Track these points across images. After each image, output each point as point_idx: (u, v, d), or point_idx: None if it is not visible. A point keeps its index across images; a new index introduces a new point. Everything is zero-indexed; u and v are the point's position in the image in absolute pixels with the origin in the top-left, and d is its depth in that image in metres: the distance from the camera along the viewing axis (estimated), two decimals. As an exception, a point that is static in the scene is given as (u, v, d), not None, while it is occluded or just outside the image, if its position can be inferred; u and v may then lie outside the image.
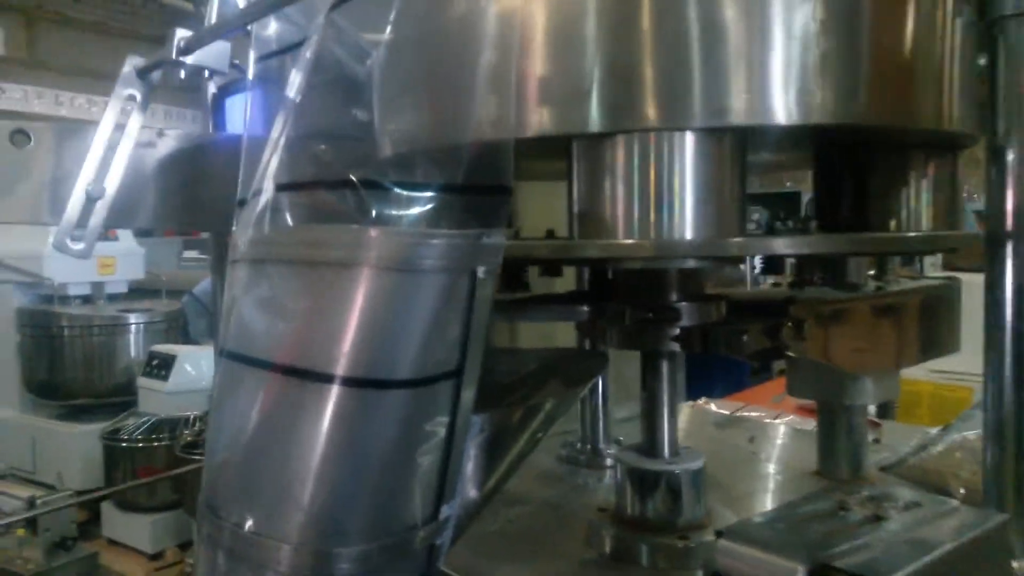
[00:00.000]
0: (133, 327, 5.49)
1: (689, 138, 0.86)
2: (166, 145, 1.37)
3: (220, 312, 0.98)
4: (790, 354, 1.09)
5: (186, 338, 5.72)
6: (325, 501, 0.80)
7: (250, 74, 1.12)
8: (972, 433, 1.32)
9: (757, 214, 1.36)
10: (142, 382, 5.18)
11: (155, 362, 5.13)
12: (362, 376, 0.79)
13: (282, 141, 0.94)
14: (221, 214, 1.14)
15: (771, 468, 1.48)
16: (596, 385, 1.55)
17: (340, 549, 0.80)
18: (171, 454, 4.48)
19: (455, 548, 0.89)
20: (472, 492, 0.91)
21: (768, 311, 1.08)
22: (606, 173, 0.90)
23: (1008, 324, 0.99)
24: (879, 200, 1.08)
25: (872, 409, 1.47)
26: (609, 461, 1.52)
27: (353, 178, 0.91)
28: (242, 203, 0.99)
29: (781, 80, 0.85)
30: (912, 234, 1.06)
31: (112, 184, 1.26)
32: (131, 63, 1.26)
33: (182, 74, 1.21)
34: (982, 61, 1.01)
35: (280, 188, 0.94)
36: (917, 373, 2.99)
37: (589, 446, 1.57)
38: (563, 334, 1.52)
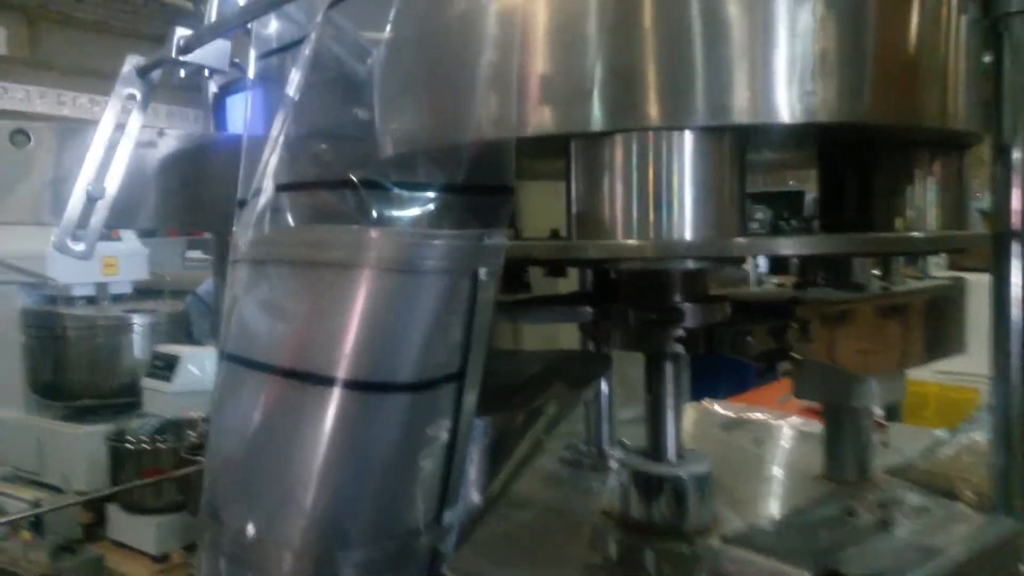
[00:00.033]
0: (137, 328, 5.49)
1: (688, 137, 0.85)
2: (167, 145, 1.36)
3: (222, 313, 0.98)
4: (795, 355, 1.07)
5: (190, 339, 5.71)
6: (327, 506, 0.80)
7: (250, 73, 1.12)
8: (981, 436, 1.31)
9: (761, 213, 1.34)
10: (146, 383, 5.18)
11: (159, 363, 5.14)
12: (363, 379, 0.79)
13: (281, 140, 0.94)
14: (222, 214, 1.13)
15: (777, 471, 1.47)
16: (600, 386, 1.53)
17: (342, 554, 0.80)
18: (177, 456, 4.48)
19: (458, 552, 0.88)
20: (475, 496, 0.90)
21: (773, 312, 1.06)
22: (604, 173, 0.89)
23: (1015, 324, 0.98)
24: (884, 199, 1.06)
25: (878, 410, 1.46)
26: (613, 464, 1.50)
27: (353, 178, 0.90)
28: (242, 203, 0.98)
29: (784, 78, 0.84)
30: (917, 234, 1.05)
31: (112, 184, 1.25)
32: (131, 62, 1.25)
33: (182, 73, 1.21)
34: (987, 58, 1.00)
35: (280, 188, 0.94)
36: (923, 374, 2.97)
37: (593, 448, 1.56)
38: (567, 335, 1.51)
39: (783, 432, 1.71)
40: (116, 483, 4.56)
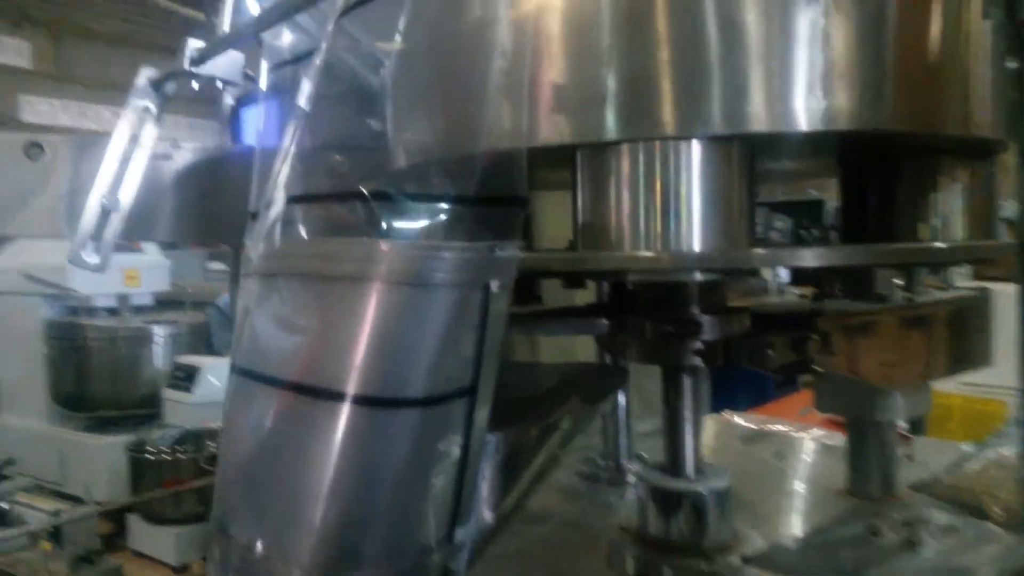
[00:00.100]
0: (158, 339, 5.52)
1: (696, 146, 0.84)
2: (182, 158, 1.36)
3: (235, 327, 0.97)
4: (817, 368, 1.05)
5: (210, 350, 5.74)
6: (336, 523, 0.78)
7: (262, 84, 1.11)
8: (1008, 450, 1.28)
9: (781, 222, 1.32)
10: (167, 394, 5.22)
11: (180, 374, 5.17)
12: (373, 394, 0.77)
13: (293, 151, 0.93)
14: (238, 227, 1.13)
15: (799, 486, 1.44)
16: (617, 399, 1.51)
17: (352, 572, 0.78)
18: (196, 466, 4.50)
19: (470, 570, 0.86)
20: (487, 514, 0.88)
21: (793, 323, 1.04)
22: (610, 183, 0.87)
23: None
24: (907, 208, 1.04)
25: (902, 423, 1.43)
26: (631, 478, 1.48)
27: (364, 190, 0.89)
28: (255, 215, 0.98)
29: (802, 85, 0.82)
30: (939, 245, 1.02)
31: (127, 196, 1.25)
32: (145, 75, 1.25)
33: (195, 85, 1.21)
34: (1012, 64, 0.97)
35: (293, 200, 0.93)
36: (948, 386, 2.93)
37: (611, 462, 1.54)
38: (584, 347, 1.50)
39: (805, 445, 1.69)
40: (136, 493, 4.59)
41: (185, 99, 1.34)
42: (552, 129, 0.87)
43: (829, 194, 1.34)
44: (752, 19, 0.82)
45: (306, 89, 0.93)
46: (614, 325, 1.15)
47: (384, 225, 0.87)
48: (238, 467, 0.88)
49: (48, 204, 1.29)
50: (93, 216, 1.23)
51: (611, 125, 0.85)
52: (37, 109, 10.04)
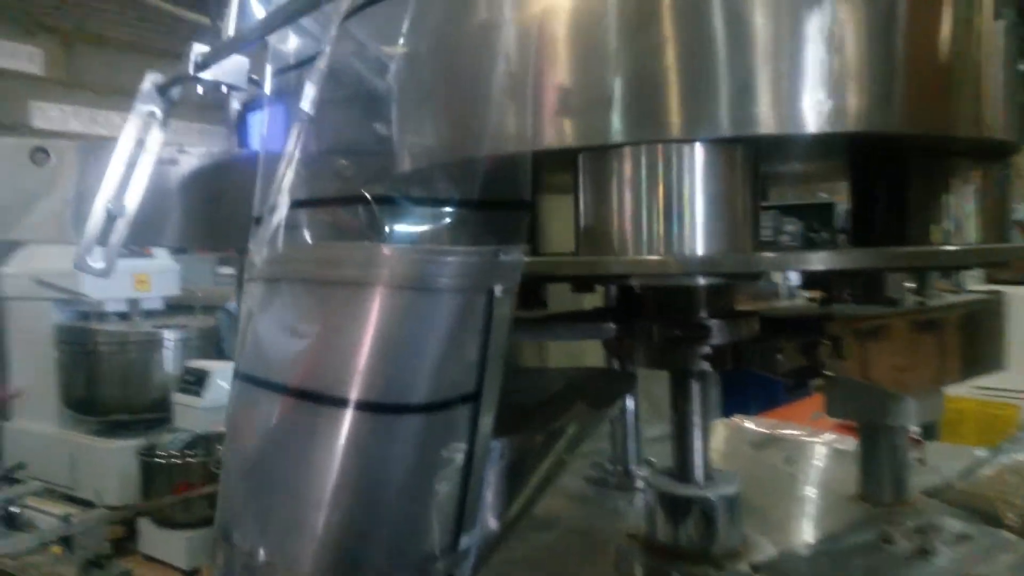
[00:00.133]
0: (168, 343, 5.54)
1: (700, 149, 0.82)
2: (188, 162, 1.36)
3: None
4: (827, 373, 1.04)
5: (220, 354, 5.76)
6: (339, 530, 0.78)
7: (267, 88, 1.11)
8: (1023, 455, 1.26)
9: (791, 226, 1.31)
10: (177, 398, 5.23)
11: (190, 378, 5.18)
12: (376, 400, 0.76)
13: (297, 156, 0.92)
14: (245, 231, 1.12)
15: (810, 491, 1.42)
16: (625, 403, 1.50)
17: (355, 580, 0.77)
18: (207, 470, 4.50)
19: (476, 578, 0.85)
20: (492, 521, 0.87)
21: (804, 328, 1.03)
22: (612, 186, 0.86)
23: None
24: (918, 211, 1.02)
25: (914, 428, 1.42)
26: (640, 483, 1.47)
27: (367, 195, 0.88)
28: (259, 220, 0.97)
29: (811, 87, 0.80)
30: (950, 247, 1.01)
31: (132, 202, 1.24)
32: (150, 80, 1.25)
33: (200, 90, 1.20)
34: (1024, 66, 0.96)
35: (297, 204, 0.92)
36: (960, 390, 2.91)
37: (619, 467, 1.52)
38: (592, 352, 1.49)
39: (816, 450, 1.67)
40: (147, 497, 4.60)
41: (195, 105, 1.34)
42: (556, 132, 0.86)
43: (840, 197, 1.33)
44: (760, 20, 0.81)
45: (310, 93, 0.93)
46: (621, 329, 1.14)
47: (387, 229, 0.87)
48: (241, 473, 0.88)
49: (54, 209, 1.28)
50: (99, 221, 1.23)
51: (616, 128, 0.84)
52: (48, 115, 10.10)
